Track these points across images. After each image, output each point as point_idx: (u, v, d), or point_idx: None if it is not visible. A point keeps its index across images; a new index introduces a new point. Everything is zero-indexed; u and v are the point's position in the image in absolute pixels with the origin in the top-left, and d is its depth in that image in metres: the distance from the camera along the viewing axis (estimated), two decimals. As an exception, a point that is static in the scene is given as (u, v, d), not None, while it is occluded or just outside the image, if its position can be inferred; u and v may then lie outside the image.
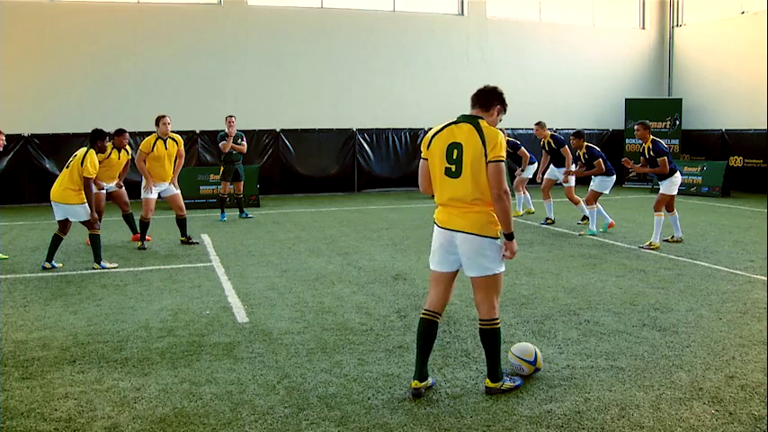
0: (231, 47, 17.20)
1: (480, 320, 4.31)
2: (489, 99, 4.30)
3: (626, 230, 11.01)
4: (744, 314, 6.15)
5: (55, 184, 8.35)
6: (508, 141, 12.56)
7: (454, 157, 4.16)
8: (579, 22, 20.25)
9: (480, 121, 4.21)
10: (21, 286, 7.42)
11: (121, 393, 4.38)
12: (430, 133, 4.32)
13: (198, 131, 16.75)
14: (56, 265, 8.35)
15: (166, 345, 5.36)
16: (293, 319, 6.05)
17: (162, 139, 9.73)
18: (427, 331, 4.33)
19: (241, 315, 6.20)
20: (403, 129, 18.50)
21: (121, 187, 10.09)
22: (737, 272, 7.90)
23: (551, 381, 4.54)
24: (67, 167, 8.29)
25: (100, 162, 8.61)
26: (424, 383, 4.32)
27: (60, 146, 15.60)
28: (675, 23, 20.67)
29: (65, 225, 8.38)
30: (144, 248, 9.60)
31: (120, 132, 9.63)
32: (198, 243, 10.07)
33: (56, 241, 8.37)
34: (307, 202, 15.90)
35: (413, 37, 18.58)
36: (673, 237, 9.83)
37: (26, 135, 15.59)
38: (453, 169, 4.17)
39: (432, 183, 4.34)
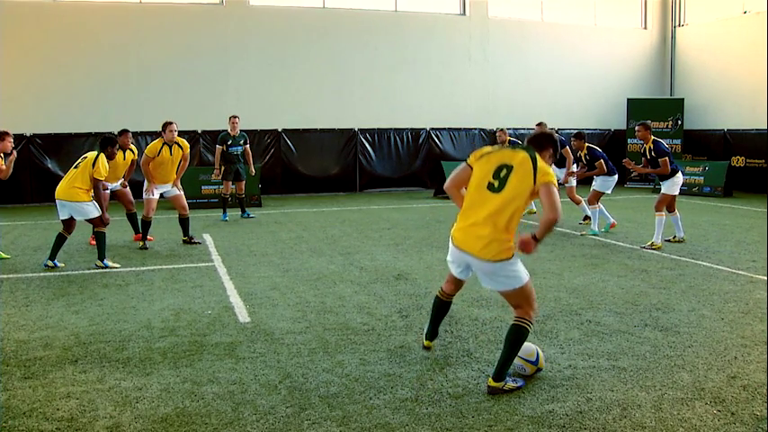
0: (233, 47, 17.20)
1: (516, 317, 4.41)
2: (545, 142, 4.52)
3: (628, 230, 11.00)
4: (746, 314, 6.15)
5: (61, 183, 8.37)
6: (509, 141, 12.58)
7: (501, 175, 4.32)
8: (581, 22, 20.23)
9: (537, 154, 4.37)
10: (23, 286, 7.43)
11: (123, 393, 4.38)
12: (486, 149, 4.54)
13: (200, 131, 16.75)
14: (58, 264, 8.36)
15: (168, 344, 5.37)
16: (295, 319, 6.05)
17: (168, 144, 9.79)
18: (442, 305, 4.97)
19: (243, 315, 6.21)
20: (404, 129, 18.49)
21: (126, 186, 10.12)
22: (739, 272, 7.90)
23: (553, 381, 4.54)
24: (76, 168, 8.33)
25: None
26: (433, 343, 5.08)
27: (62, 146, 15.67)
28: (677, 23, 20.65)
29: (69, 224, 8.40)
30: (146, 248, 9.60)
31: (124, 132, 9.72)
32: (200, 243, 10.07)
33: (60, 240, 8.39)
34: (308, 202, 15.91)
35: (414, 37, 18.57)
36: (675, 237, 9.82)
37: (28, 135, 15.59)
38: (496, 185, 4.32)
39: (462, 189, 4.53)
